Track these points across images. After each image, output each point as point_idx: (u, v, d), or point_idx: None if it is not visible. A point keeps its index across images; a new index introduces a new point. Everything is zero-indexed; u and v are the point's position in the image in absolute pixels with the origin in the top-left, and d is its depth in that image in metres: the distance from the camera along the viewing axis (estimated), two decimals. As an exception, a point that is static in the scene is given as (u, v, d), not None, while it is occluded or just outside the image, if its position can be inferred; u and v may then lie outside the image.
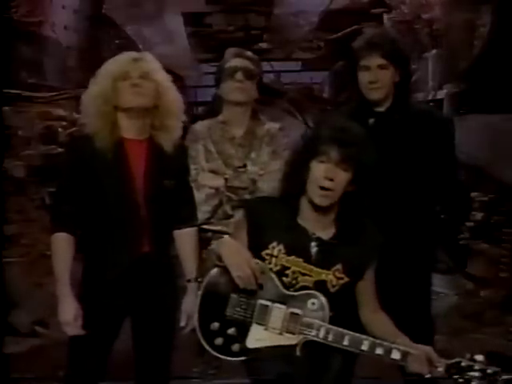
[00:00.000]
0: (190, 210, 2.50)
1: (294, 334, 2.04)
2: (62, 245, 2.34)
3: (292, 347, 2.04)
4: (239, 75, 2.66)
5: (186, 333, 2.39)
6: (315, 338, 2.03)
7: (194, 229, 2.50)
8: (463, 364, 1.92)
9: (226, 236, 2.25)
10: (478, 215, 4.75)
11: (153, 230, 2.35)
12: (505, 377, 1.95)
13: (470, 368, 1.91)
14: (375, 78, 2.54)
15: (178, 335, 2.46)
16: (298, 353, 2.03)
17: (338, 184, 2.03)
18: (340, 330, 2.02)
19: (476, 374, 1.90)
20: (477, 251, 4.76)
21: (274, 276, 2.09)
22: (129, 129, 2.32)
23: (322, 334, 2.02)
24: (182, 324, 2.38)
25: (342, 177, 2.03)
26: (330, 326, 2.03)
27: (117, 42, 6.43)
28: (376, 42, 2.56)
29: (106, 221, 2.34)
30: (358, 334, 2.02)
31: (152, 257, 2.35)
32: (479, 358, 1.92)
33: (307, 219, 2.12)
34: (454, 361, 1.93)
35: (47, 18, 5.10)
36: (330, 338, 2.02)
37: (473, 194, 4.83)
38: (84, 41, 5.87)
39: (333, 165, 2.03)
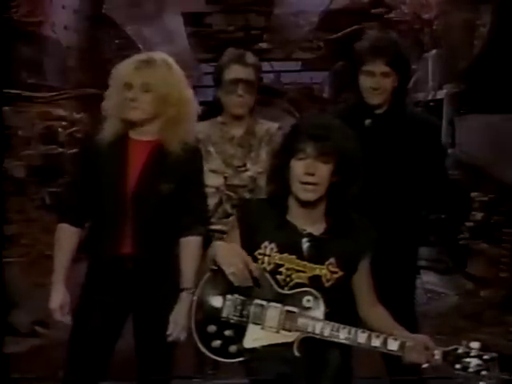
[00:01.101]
0: (194, 218, 2.40)
1: (290, 331, 2.05)
2: (63, 235, 2.36)
3: (289, 345, 2.05)
4: (240, 90, 2.64)
5: (171, 340, 2.36)
6: (312, 334, 2.04)
7: (198, 238, 2.39)
8: (460, 351, 1.92)
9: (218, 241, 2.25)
10: (478, 215, 4.75)
11: (138, 232, 2.32)
12: (505, 376, 1.95)
13: (467, 354, 1.91)
14: (378, 84, 2.55)
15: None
16: (295, 350, 2.04)
17: (320, 177, 2.05)
18: (336, 324, 2.03)
19: (473, 359, 1.90)
20: (477, 251, 4.76)
21: (268, 276, 2.10)
22: (136, 131, 2.33)
23: (318, 329, 2.03)
24: (168, 332, 2.36)
25: (323, 170, 2.05)
26: (326, 321, 2.04)
27: (117, 41, 6.44)
28: (383, 48, 2.54)
29: (97, 217, 2.35)
30: (353, 328, 2.03)
31: (136, 258, 2.32)
32: (475, 345, 1.92)
33: (296, 216, 2.13)
34: (450, 348, 1.93)
35: (47, 18, 5.10)
36: (327, 332, 2.02)
37: (473, 194, 4.84)
38: (84, 41, 5.88)
39: (311, 160, 2.05)
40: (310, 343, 2.04)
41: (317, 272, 2.10)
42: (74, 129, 4.99)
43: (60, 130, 4.98)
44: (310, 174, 2.04)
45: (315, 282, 2.09)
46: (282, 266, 2.10)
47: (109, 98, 2.32)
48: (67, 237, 2.35)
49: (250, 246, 2.14)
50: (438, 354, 1.93)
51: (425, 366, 1.96)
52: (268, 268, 2.10)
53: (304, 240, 2.11)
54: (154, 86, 2.27)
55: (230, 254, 2.08)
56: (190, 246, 2.37)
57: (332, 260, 2.10)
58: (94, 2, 6.13)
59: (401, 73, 2.57)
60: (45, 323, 3.99)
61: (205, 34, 7.69)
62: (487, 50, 4.57)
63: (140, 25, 6.68)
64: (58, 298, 2.31)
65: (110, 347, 2.39)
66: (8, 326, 3.97)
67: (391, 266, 2.47)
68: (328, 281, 2.10)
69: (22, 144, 4.59)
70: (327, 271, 2.10)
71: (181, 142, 2.32)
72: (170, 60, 2.35)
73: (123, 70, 2.30)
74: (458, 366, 1.90)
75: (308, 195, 2.06)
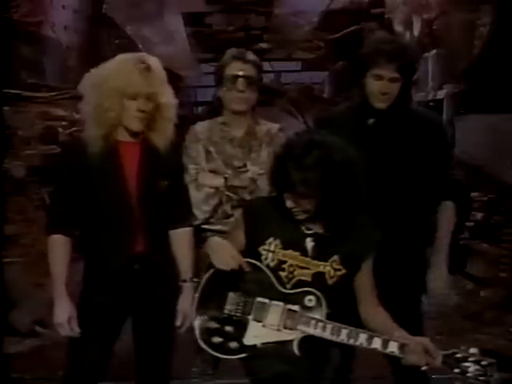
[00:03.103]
0: (185, 210, 2.50)
1: (291, 329, 2.07)
2: (59, 247, 2.34)
3: (289, 343, 2.06)
4: (241, 85, 2.65)
5: (182, 332, 2.39)
6: (312, 333, 2.06)
7: (190, 229, 2.49)
8: (459, 355, 1.94)
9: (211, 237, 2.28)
10: (478, 215, 4.75)
11: (148, 230, 2.35)
12: (505, 377, 1.96)
13: (466, 359, 1.93)
14: (388, 89, 2.50)
15: (177, 335, 2.46)
16: (295, 348, 2.05)
17: (312, 206, 2.07)
18: (337, 324, 2.05)
19: (471, 364, 1.92)
20: (477, 251, 4.76)
21: (270, 274, 2.12)
22: (125, 134, 2.34)
23: (319, 328, 2.05)
24: (178, 323, 2.38)
25: (312, 203, 2.06)
26: (327, 321, 2.05)
27: (117, 42, 6.45)
28: (396, 54, 2.48)
29: (99, 222, 2.35)
30: (354, 328, 2.04)
31: (148, 256, 2.37)
32: (474, 350, 1.94)
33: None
34: (449, 352, 1.95)
35: (47, 18, 5.11)
36: (327, 332, 2.04)
37: (473, 194, 4.84)
38: (84, 41, 5.88)
39: (297, 197, 2.06)
40: (311, 342, 2.05)
41: (320, 269, 2.12)
42: (73, 129, 4.98)
43: (60, 129, 4.98)
44: (294, 207, 2.06)
45: (318, 278, 2.11)
46: (285, 262, 2.12)
47: (105, 109, 2.25)
48: (62, 248, 2.33)
49: (254, 242, 2.16)
50: (437, 357, 1.94)
51: (424, 368, 1.97)
52: (271, 264, 2.13)
53: (309, 238, 2.13)
54: (156, 96, 2.28)
55: (224, 255, 2.13)
56: (185, 238, 2.45)
57: (336, 257, 2.12)
58: (94, 2, 6.14)
59: (407, 78, 2.55)
60: (45, 323, 3.99)
61: (205, 34, 7.70)
62: (487, 49, 4.57)
63: (140, 25, 6.68)
64: (64, 312, 2.29)
65: (108, 349, 2.40)
66: (8, 326, 3.97)
67: (398, 267, 2.46)
68: (331, 278, 2.12)
69: (22, 144, 4.59)
70: (331, 268, 2.12)
71: (166, 139, 2.35)
72: (158, 62, 2.35)
73: (126, 79, 2.24)
74: (456, 370, 1.92)
75: (302, 217, 2.09)
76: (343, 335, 2.01)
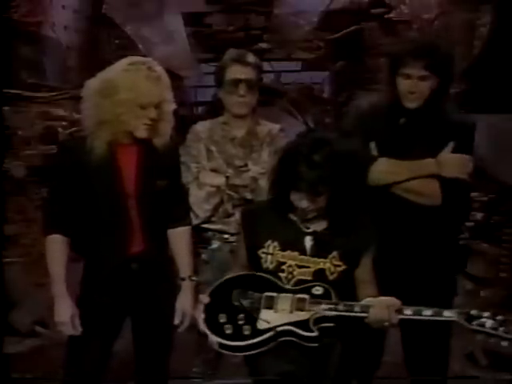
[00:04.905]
0: (183, 209, 2.53)
1: (303, 311, 2.09)
2: (57, 246, 2.36)
3: (305, 322, 2.08)
4: (242, 89, 2.66)
5: (181, 331, 2.40)
6: (326, 312, 2.08)
7: (188, 228, 2.53)
8: (473, 313, 2.04)
9: None
10: (478, 215, 4.75)
11: (146, 230, 2.38)
12: (505, 377, 1.98)
13: (480, 316, 2.04)
14: (416, 88, 2.51)
15: (177, 335, 2.47)
16: (311, 326, 2.06)
17: (319, 205, 2.12)
18: (347, 302, 2.09)
19: (487, 319, 2.03)
20: (477, 251, 4.76)
21: (271, 278, 2.14)
22: (127, 138, 2.34)
23: (331, 306, 2.09)
24: (177, 322, 2.39)
25: (321, 200, 2.11)
26: (338, 301, 2.10)
27: (117, 42, 6.43)
28: (421, 52, 2.51)
29: (97, 222, 2.37)
30: (364, 303, 2.09)
31: (147, 255, 2.37)
32: (486, 314, 2.05)
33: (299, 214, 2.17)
34: (464, 310, 2.05)
35: (47, 18, 5.10)
36: (341, 308, 2.08)
37: (473, 194, 4.83)
38: (84, 41, 5.87)
39: (307, 194, 2.09)
40: (323, 322, 2.08)
41: (321, 265, 2.15)
42: (73, 129, 4.98)
43: (60, 129, 4.97)
44: (308, 206, 2.10)
45: (319, 275, 2.14)
46: (284, 263, 2.14)
47: (113, 113, 2.28)
48: (60, 248, 2.36)
49: (254, 246, 2.19)
50: (450, 312, 2.03)
51: (386, 324, 2.04)
52: (270, 267, 2.14)
53: (308, 236, 2.15)
54: (163, 103, 2.32)
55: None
56: (183, 236, 2.49)
57: (335, 254, 2.14)
58: (94, 2, 6.13)
59: (441, 76, 2.52)
60: (45, 323, 3.99)
61: (205, 34, 7.68)
62: (487, 49, 4.57)
63: (140, 25, 6.67)
64: (67, 310, 2.32)
65: (107, 349, 2.41)
66: (8, 326, 3.98)
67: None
68: (332, 274, 2.15)
69: (22, 144, 4.59)
70: (331, 264, 2.15)
71: (164, 140, 2.38)
72: (161, 67, 2.36)
73: (141, 88, 2.26)
74: (474, 324, 2.01)
75: (311, 216, 2.13)
76: (357, 308, 2.07)
